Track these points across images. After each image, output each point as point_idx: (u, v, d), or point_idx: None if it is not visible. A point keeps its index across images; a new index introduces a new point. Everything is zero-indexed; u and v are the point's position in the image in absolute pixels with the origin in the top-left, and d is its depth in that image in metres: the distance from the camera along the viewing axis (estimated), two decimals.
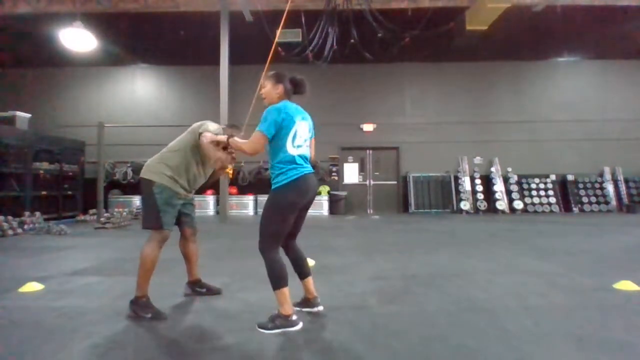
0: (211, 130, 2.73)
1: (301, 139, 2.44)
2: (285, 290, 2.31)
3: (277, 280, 2.30)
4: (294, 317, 2.31)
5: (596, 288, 3.18)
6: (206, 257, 4.53)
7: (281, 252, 2.45)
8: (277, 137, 2.36)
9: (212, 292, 3.02)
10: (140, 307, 2.54)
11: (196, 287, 3.02)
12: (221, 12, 9.13)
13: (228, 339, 2.19)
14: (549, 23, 9.60)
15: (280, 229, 2.37)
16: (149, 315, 2.50)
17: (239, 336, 2.23)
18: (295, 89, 2.56)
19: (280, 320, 2.29)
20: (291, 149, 2.37)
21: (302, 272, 2.60)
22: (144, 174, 2.77)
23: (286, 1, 7.47)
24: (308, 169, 2.46)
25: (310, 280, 2.62)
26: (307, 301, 2.63)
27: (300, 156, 2.42)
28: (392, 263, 4.26)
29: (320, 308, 2.60)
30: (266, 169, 11.64)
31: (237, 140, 2.50)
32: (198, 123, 2.85)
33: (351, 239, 6.24)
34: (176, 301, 2.91)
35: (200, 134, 2.70)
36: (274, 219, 2.36)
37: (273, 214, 2.36)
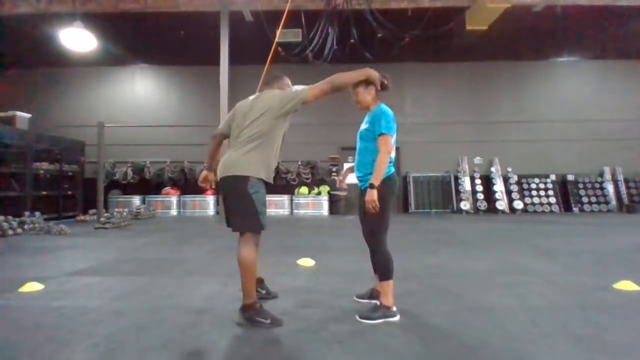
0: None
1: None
2: (391, 282, 2.50)
3: (390, 272, 2.51)
4: (394, 309, 2.49)
5: (596, 288, 3.18)
6: (206, 257, 4.53)
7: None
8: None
9: (271, 295, 2.95)
10: (257, 314, 2.38)
11: (257, 287, 2.78)
12: (221, 12, 9.13)
13: (228, 340, 2.19)
14: (549, 23, 9.60)
15: (389, 221, 2.57)
16: (269, 321, 2.35)
17: (237, 336, 2.23)
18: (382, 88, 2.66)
19: (383, 310, 2.47)
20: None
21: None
22: (231, 171, 2.44)
23: (286, 1, 7.48)
24: None
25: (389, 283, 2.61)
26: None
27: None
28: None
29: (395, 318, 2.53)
30: None
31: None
32: (283, 93, 2.56)
33: (351, 239, 6.23)
34: (174, 301, 2.91)
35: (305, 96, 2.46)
36: (387, 211, 2.52)
37: (385, 207, 2.49)
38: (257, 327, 2.34)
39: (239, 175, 2.42)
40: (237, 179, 2.42)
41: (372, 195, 2.39)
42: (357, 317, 2.46)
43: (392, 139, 2.51)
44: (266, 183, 2.54)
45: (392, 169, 2.59)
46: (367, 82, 2.59)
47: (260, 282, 2.91)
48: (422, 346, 2.10)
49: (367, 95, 2.62)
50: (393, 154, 2.60)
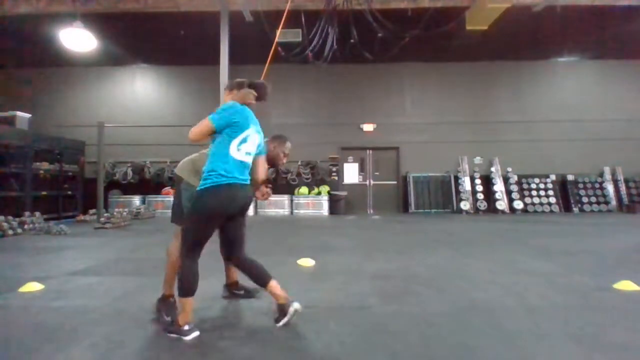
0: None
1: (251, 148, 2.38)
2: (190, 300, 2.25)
3: (185, 289, 2.22)
4: (186, 328, 2.21)
5: (596, 288, 3.18)
6: (206, 257, 4.53)
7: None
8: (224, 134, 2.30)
9: (250, 294, 2.98)
10: (165, 307, 2.52)
11: (234, 290, 3.01)
12: (221, 12, 9.13)
13: (227, 340, 2.19)
14: (549, 23, 9.60)
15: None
16: (169, 319, 2.44)
17: (236, 337, 2.23)
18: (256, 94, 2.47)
19: (174, 327, 2.25)
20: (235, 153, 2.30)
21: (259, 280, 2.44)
22: (176, 169, 2.77)
23: (286, 1, 7.48)
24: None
25: (272, 285, 2.41)
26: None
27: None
28: (392, 263, 4.26)
29: (295, 306, 2.38)
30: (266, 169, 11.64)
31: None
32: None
33: (351, 239, 6.23)
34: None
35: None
36: (191, 222, 2.32)
37: (191, 217, 2.33)
38: (159, 320, 2.46)
39: None
40: None
41: None
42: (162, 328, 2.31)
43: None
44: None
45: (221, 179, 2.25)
46: (230, 87, 2.59)
47: (234, 284, 2.99)
48: (422, 346, 2.10)
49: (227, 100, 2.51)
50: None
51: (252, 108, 2.46)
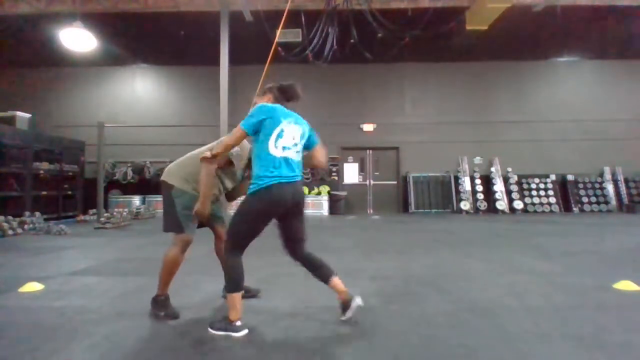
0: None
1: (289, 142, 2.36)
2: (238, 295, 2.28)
3: (234, 284, 2.28)
4: (238, 323, 2.25)
5: (596, 288, 3.17)
6: (206, 257, 4.53)
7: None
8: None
9: (251, 293, 2.96)
10: (156, 305, 2.60)
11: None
12: (221, 12, 9.15)
13: (227, 340, 2.19)
14: (549, 23, 9.61)
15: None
16: (162, 314, 2.56)
17: (239, 337, 2.23)
18: (284, 96, 2.49)
19: (224, 323, 2.27)
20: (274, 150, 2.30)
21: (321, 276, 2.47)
22: (164, 176, 2.71)
23: (286, 1, 7.48)
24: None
25: (334, 281, 2.44)
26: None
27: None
28: (392, 263, 4.26)
29: (357, 301, 2.41)
30: None
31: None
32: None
33: (351, 239, 6.24)
34: (182, 301, 2.90)
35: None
36: (241, 223, 2.34)
37: (242, 218, 2.34)
38: (154, 316, 2.55)
39: None
40: None
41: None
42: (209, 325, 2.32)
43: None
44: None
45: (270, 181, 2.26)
46: (262, 92, 2.53)
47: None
48: (422, 346, 2.10)
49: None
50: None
51: (289, 107, 2.48)
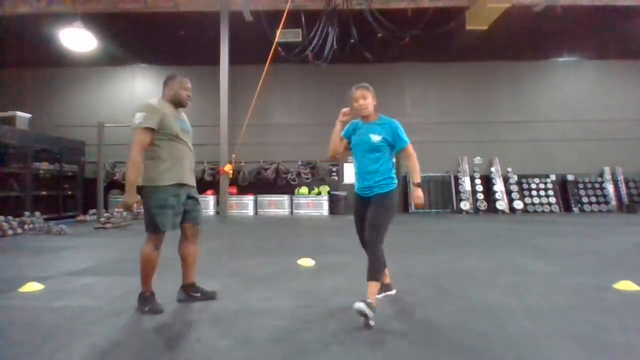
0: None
1: None
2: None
3: (381, 273, 2.59)
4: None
5: (596, 288, 3.17)
6: (206, 257, 4.53)
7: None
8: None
9: (207, 296, 2.95)
10: (141, 301, 2.70)
11: (190, 292, 2.93)
12: (221, 12, 9.14)
13: (227, 340, 2.19)
14: (549, 23, 9.61)
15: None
16: (147, 309, 2.64)
17: (236, 337, 2.23)
18: None
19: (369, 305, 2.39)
20: None
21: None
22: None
23: (286, 1, 7.48)
24: None
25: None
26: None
27: None
28: (392, 263, 4.22)
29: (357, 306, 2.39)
30: (266, 169, 11.64)
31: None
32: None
33: (351, 239, 6.22)
34: (174, 301, 2.91)
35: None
36: (392, 218, 2.63)
37: (392, 214, 2.64)
38: (140, 311, 2.64)
39: None
40: None
41: (421, 192, 2.67)
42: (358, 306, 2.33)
43: None
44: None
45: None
46: (374, 92, 2.76)
47: (191, 286, 2.96)
48: (422, 346, 2.10)
49: (372, 104, 2.74)
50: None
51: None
